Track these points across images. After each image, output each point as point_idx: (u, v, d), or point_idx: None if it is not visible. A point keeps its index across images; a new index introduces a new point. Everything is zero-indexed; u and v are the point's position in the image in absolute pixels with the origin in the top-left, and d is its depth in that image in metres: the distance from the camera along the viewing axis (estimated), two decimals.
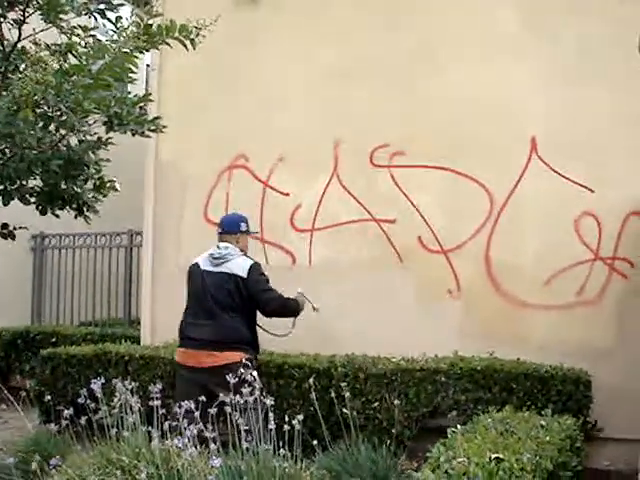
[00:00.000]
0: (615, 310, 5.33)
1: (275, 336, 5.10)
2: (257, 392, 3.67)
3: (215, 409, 3.64)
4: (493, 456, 3.06)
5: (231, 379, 3.75)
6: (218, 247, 4.90)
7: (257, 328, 5.03)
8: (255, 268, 4.86)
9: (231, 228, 5.01)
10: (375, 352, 5.47)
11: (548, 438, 3.61)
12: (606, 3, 5.46)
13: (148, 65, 7.88)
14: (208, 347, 4.66)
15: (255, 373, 3.80)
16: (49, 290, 9.62)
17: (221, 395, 3.84)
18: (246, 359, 4.33)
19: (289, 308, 5.00)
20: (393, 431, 4.67)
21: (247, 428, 3.53)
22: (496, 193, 5.71)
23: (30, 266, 9.65)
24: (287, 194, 6.40)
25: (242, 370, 3.78)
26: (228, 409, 3.58)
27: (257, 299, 4.85)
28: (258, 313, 4.99)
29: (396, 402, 4.83)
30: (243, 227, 5.04)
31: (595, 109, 5.45)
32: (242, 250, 4.99)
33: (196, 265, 4.97)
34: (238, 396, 3.62)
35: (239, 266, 4.82)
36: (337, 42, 6.30)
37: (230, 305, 4.78)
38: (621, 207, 5.36)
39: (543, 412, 4.35)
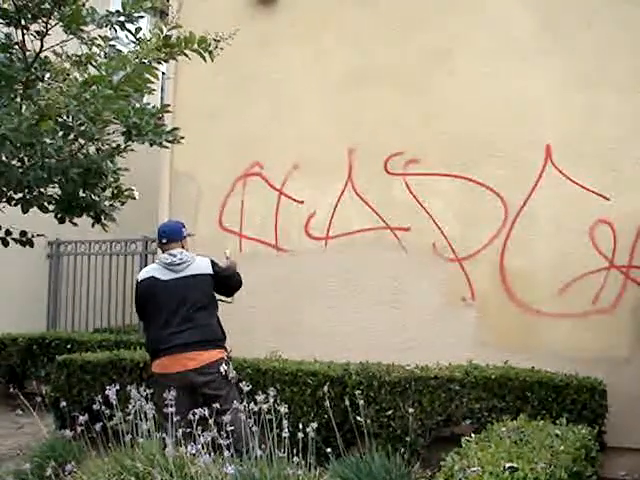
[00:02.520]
0: (630, 319, 5.30)
1: (228, 303, 5.13)
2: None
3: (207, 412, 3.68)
4: (507, 465, 3.06)
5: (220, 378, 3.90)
6: (172, 254, 4.85)
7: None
8: (214, 262, 4.98)
9: (176, 235, 4.98)
10: (389, 360, 5.47)
11: (563, 447, 3.59)
12: (622, 8, 5.46)
13: (164, 73, 7.94)
14: (193, 348, 4.66)
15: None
16: (65, 296, 9.68)
17: (213, 394, 3.98)
18: (227, 356, 4.67)
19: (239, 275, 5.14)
20: (407, 439, 4.68)
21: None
22: (511, 201, 5.70)
23: (46, 272, 9.70)
24: (302, 202, 6.42)
25: (224, 367, 3.94)
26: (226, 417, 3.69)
27: (230, 285, 5.02)
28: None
29: (410, 410, 4.83)
30: (185, 232, 5.05)
31: (610, 116, 5.45)
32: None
33: (153, 278, 4.88)
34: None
35: (202, 266, 4.90)
36: (351, 49, 6.33)
37: (203, 305, 4.82)
38: (636, 215, 5.34)
39: (558, 421, 4.33)
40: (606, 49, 5.49)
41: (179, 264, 4.83)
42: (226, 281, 4.98)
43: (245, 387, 3.89)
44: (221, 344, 4.80)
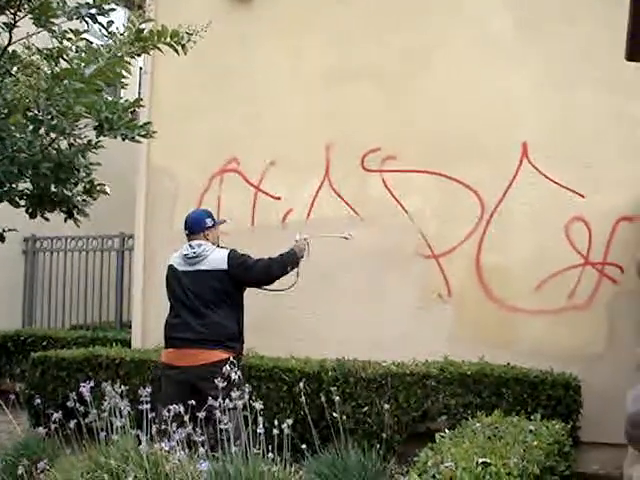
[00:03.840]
0: (605, 315, 5.35)
1: (280, 292, 5.05)
2: (246, 394, 3.70)
3: (204, 412, 3.65)
4: (480, 460, 3.08)
5: (220, 379, 3.77)
6: (191, 246, 4.83)
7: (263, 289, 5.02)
8: (233, 254, 4.82)
9: (197, 227, 4.91)
10: (365, 356, 5.47)
11: (536, 443, 3.62)
12: (597, 7, 5.48)
13: (141, 68, 7.89)
14: (196, 345, 4.62)
15: (240, 373, 3.84)
16: (40, 293, 9.59)
17: (211, 394, 3.88)
18: (234, 357, 4.38)
19: (286, 264, 4.90)
20: (383, 435, 4.67)
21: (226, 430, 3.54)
22: (487, 198, 5.72)
23: (22, 269, 9.61)
24: (279, 198, 6.40)
25: (228, 368, 3.81)
26: (217, 412, 3.61)
27: (250, 278, 4.82)
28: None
29: (386, 406, 4.84)
30: (209, 223, 4.95)
31: (585, 114, 5.48)
32: (214, 244, 4.95)
33: (171, 267, 4.93)
34: (227, 400, 3.65)
35: (218, 260, 4.77)
36: (329, 46, 6.32)
37: (214, 301, 4.73)
38: (611, 212, 5.38)
39: (532, 417, 4.37)
40: (584, 49, 5.51)
41: (192, 257, 4.79)
42: (245, 274, 4.79)
43: (220, 383, 3.87)
44: (229, 344, 4.67)
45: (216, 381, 3.88)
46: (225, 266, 4.76)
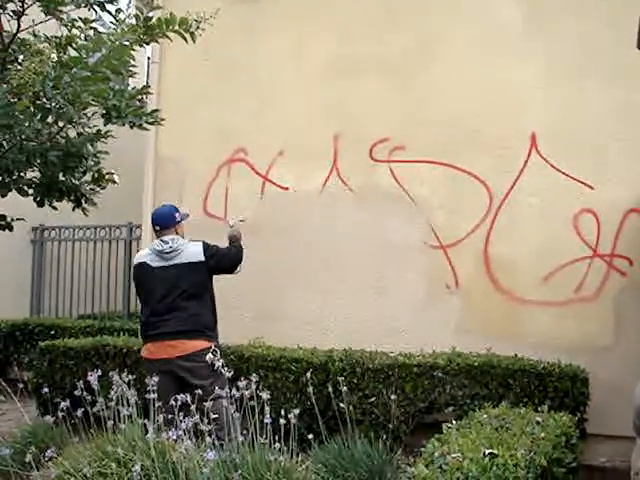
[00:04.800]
0: (613, 307, 5.33)
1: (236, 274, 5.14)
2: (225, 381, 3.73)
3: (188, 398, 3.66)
4: (487, 451, 3.07)
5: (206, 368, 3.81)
6: (164, 241, 4.85)
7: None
8: (206, 245, 4.92)
9: (168, 222, 4.95)
10: (373, 347, 5.47)
11: (543, 434, 3.60)
12: (605, 0, 5.44)
13: (149, 58, 7.87)
14: (178, 337, 4.67)
15: (222, 361, 3.88)
16: (48, 282, 9.61)
17: (196, 384, 3.90)
18: (215, 346, 4.51)
19: (241, 247, 5.11)
20: (390, 426, 4.69)
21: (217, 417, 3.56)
22: (495, 189, 5.70)
23: (30, 258, 9.63)
24: (286, 188, 6.39)
25: (211, 356, 3.84)
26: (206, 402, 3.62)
27: (226, 264, 4.97)
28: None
29: (393, 397, 4.84)
30: (178, 217, 5.01)
31: (595, 106, 5.44)
32: (183, 238, 5.00)
33: (144, 264, 4.92)
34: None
35: (194, 253, 4.85)
36: (337, 35, 6.29)
37: (193, 293, 4.79)
38: (620, 204, 5.36)
39: (539, 408, 4.35)
40: (592, 39, 5.48)
41: (169, 252, 4.81)
42: (221, 262, 4.92)
43: (227, 373, 3.88)
44: (209, 334, 4.75)
45: (201, 370, 3.90)
46: (202, 257, 4.85)
